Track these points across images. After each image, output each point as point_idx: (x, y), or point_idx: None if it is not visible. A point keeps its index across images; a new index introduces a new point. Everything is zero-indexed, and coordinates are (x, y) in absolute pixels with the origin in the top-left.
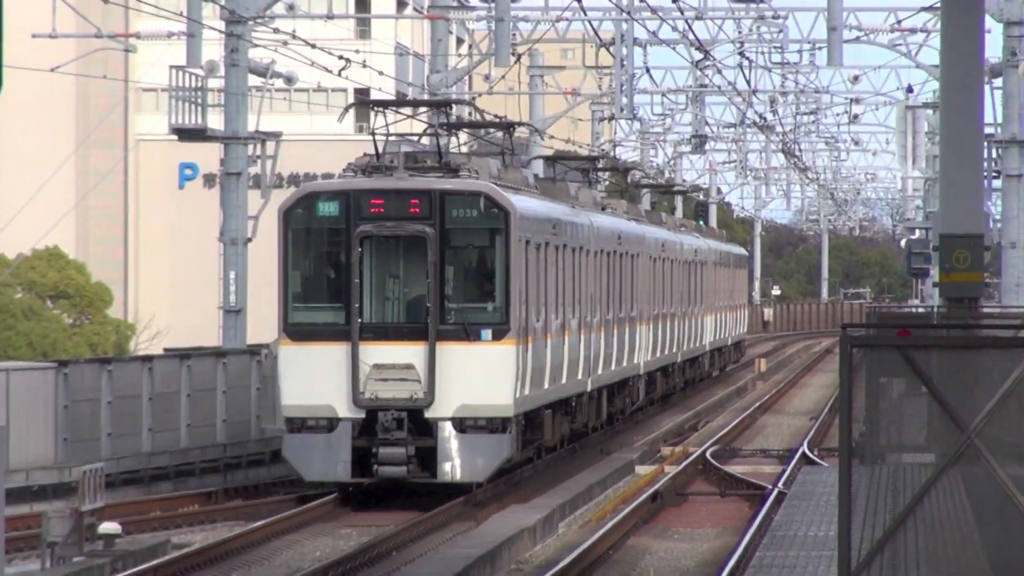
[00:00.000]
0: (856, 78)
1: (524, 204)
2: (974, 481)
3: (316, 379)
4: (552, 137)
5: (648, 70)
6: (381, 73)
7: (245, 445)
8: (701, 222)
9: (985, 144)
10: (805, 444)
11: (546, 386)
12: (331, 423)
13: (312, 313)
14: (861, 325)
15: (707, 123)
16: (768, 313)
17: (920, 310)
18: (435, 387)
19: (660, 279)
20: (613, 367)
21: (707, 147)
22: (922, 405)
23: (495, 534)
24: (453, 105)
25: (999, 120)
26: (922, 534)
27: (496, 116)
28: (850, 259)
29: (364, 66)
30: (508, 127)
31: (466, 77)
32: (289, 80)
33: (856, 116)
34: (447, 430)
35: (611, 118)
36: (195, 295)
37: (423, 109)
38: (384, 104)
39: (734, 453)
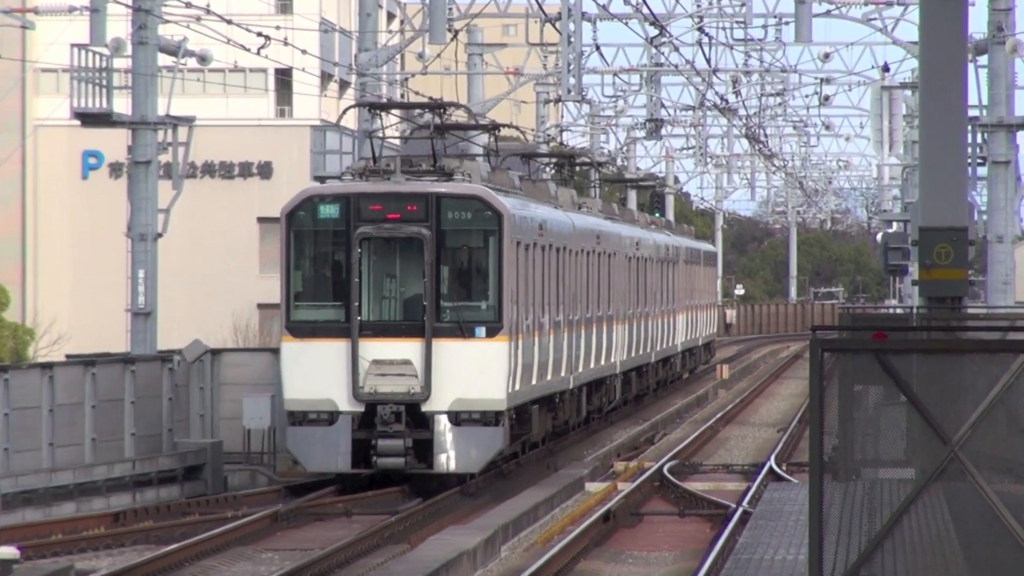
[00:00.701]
0: (827, 56)
1: (515, 206)
2: (958, 499)
3: (317, 374)
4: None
5: (598, 48)
6: (304, 52)
7: (156, 461)
8: (657, 214)
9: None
10: (772, 458)
11: (534, 382)
12: (332, 416)
13: (313, 311)
14: (833, 328)
15: (663, 106)
16: (731, 315)
17: (898, 311)
18: (431, 382)
19: (635, 278)
20: (592, 365)
21: (663, 132)
22: (901, 415)
23: (430, 558)
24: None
25: (984, 102)
26: (901, 557)
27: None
28: (821, 255)
29: (285, 44)
30: (494, 129)
31: (398, 56)
32: (203, 59)
33: (827, 98)
34: (443, 423)
35: (557, 100)
36: (100, 296)
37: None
38: (381, 107)
39: (694, 469)
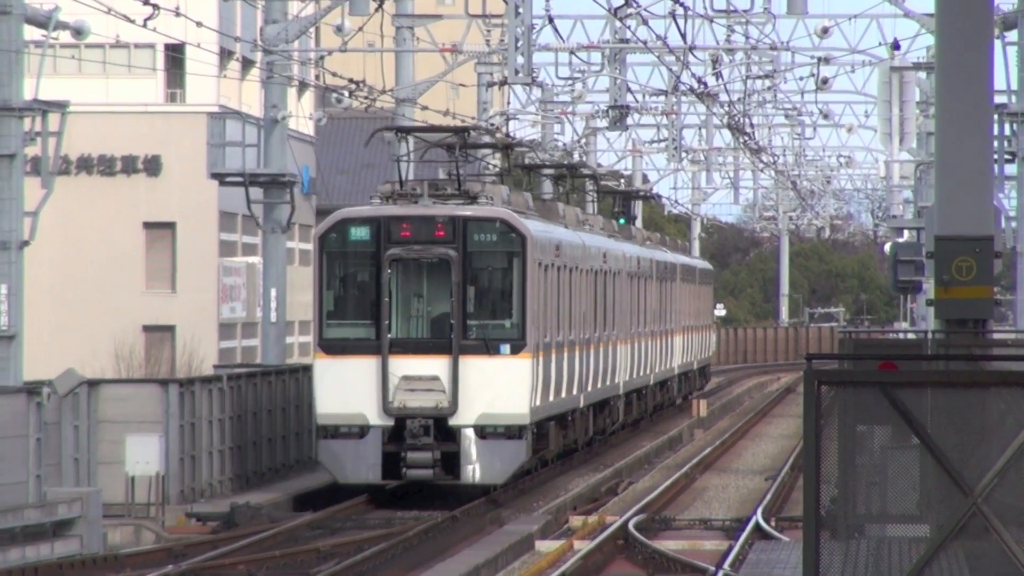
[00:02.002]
0: (825, 31)
1: (536, 228)
2: (982, 561)
3: (348, 389)
4: (426, 108)
5: (552, 20)
6: (200, 24)
7: (20, 514)
8: (622, 221)
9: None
10: (759, 512)
11: (551, 399)
12: (362, 430)
13: (345, 329)
14: (832, 356)
15: (629, 90)
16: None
17: (910, 336)
18: (458, 397)
19: (636, 297)
20: (599, 385)
21: (629, 122)
22: (912, 461)
23: None
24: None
25: (1013, 86)
26: None
27: (351, 80)
28: (818, 269)
29: (177, 15)
30: (507, 148)
31: (312, 30)
32: (78, 32)
33: (825, 81)
34: (469, 436)
35: (503, 83)
36: None
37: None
38: (407, 130)
39: (666, 524)
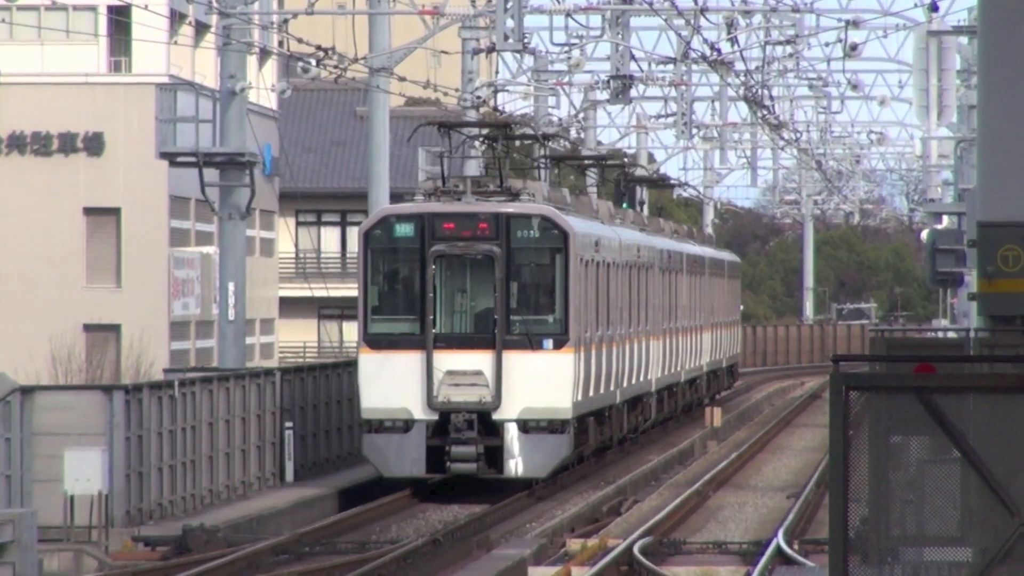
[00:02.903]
0: None
1: (578, 224)
2: None
3: (393, 384)
4: (403, 79)
5: None
6: None
7: None
8: (625, 205)
9: None
10: (780, 534)
11: (591, 395)
12: (407, 424)
13: (390, 324)
14: (862, 358)
15: (633, 58)
16: None
17: (950, 335)
18: (501, 391)
19: (667, 291)
20: (633, 381)
21: (633, 94)
22: (953, 476)
23: None
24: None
25: None
26: None
27: (318, 47)
28: (847, 260)
29: None
30: (546, 139)
31: None
32: None
33: (854, 47)
34: (512, 431)
35: (491, 50)
36: None
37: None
38: (450, 125)
39: (675, 548)
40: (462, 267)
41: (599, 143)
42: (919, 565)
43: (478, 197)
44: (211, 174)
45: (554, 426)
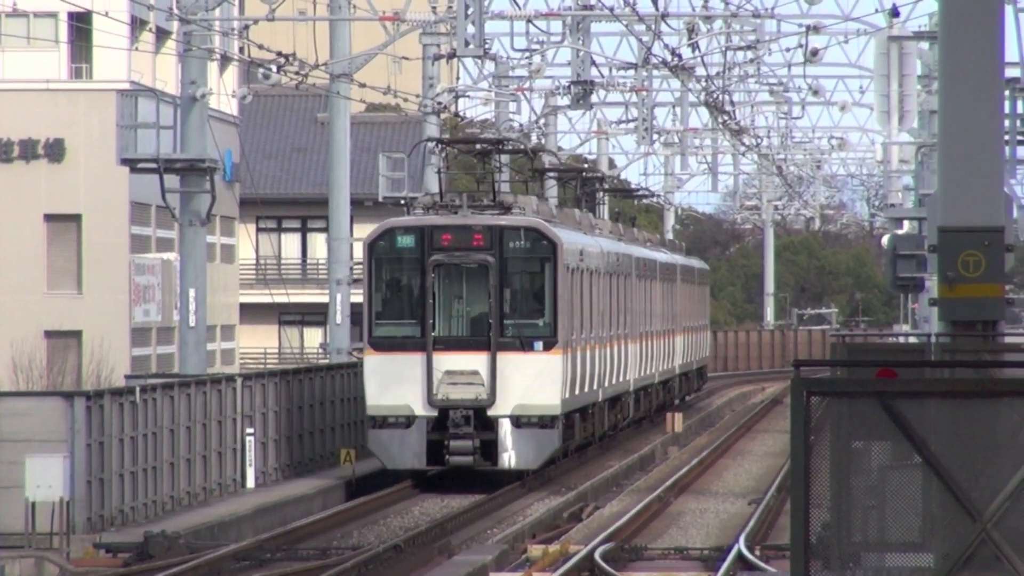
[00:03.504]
0: None
1: (565, 235)
2: None
3: (396, 383)
4: (364, 85)
5: None
6: None
7: None
8: (584, 211)
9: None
10: (742, 540)
11: (577, 393)
12: (408, 420)
13: (392, 328)
14: (823, 363)
15: (594, 63)
16: None
17: (911, 340)
18: (496, 390)
19: (642, 297)
20: (614, 381)
21: (594, 99)
22: (914, 481)
23: None
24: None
25: None
26: None
27: (279, 53)
28: (808, 265)
29: None
30: (534, 152)
31: None
32: None
33: (815, 53)
34: (506, 426)
35: (451, 56)
36: None
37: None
38: (446, 142)
39: (636, 554)
40: (459, 275)
41: (560, 148)
42: (881, 570)
43: (473, 210)
44: (172, 180)
45: (544, 421)
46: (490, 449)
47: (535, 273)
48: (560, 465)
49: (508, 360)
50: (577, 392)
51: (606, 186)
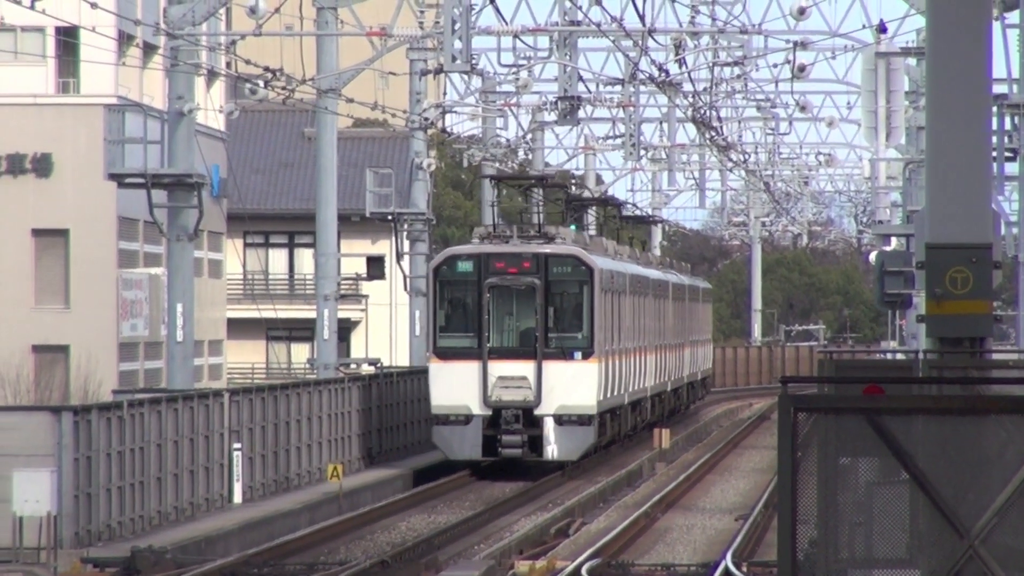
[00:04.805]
0: (802, 12)
1: (600, 261)
2: None
3: (456, 386)
4: (351, 100)
5: (493, 0)
6: (95, 6)
7: None
8: (573, 227)
9: (994, 110)
10: (728, 556)
11: (608, 396)
12: (467, 418)
13: (453, 339)
14: (811, 379)
15: (581, 79)
16: None
17: (898, 357)
18: (541, 392)
19: (657, 314)
20: (636, 387)
21: (581, 115)
22: (902, 498)
23: None
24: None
25: (1014, 74)
26: None
27: (266, 68)
28: (796, 281)
29: None
30: (563, 186)
31: (222, 11)
32: None
33: (803, 69)
34: (549, 423)
35: (438, 72)
36: None
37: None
38: (498, 179)
39: (623, 570)
40: (510, 295)
41: (547, 164)
42: None
43: (522, 240)
44: (159, 195)
45: (583, 420)
46: (536, 443)
47: (575, 293)
48: (593, 458)
49: (552, 367)
50: (609, 395)
51: (625, 214)
